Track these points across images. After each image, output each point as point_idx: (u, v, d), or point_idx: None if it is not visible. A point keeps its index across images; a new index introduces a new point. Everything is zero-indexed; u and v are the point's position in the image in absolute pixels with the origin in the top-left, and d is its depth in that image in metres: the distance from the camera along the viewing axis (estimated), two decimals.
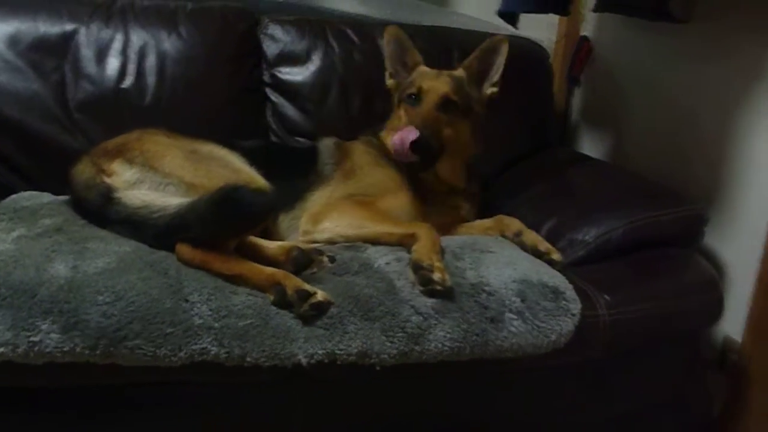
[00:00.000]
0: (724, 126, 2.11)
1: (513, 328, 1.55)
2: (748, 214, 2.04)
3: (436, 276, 1.52)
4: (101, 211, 1.61)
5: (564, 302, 1.62)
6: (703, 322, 1.87)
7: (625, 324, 1.70)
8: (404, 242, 1.69)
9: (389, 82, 2.11)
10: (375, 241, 1.74)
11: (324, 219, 1.81)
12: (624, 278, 1.81)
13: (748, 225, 2.03)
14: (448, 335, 1.50)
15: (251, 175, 1.75)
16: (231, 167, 1.76)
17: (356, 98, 2.34)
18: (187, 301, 1.38)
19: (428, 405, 1.70)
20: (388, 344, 1.45)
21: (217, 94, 2.23)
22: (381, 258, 1.63)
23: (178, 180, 1.65)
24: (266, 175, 1.77)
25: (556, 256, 1.78)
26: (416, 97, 1.97)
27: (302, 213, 1.85)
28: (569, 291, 1.65)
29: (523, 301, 1.59)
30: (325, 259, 1.58)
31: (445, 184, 2.03)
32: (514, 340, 1.55)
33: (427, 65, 2.12)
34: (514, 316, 1.56)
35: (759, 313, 1.98)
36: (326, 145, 2.06)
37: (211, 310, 1.38)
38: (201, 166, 1.71)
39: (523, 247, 1.83)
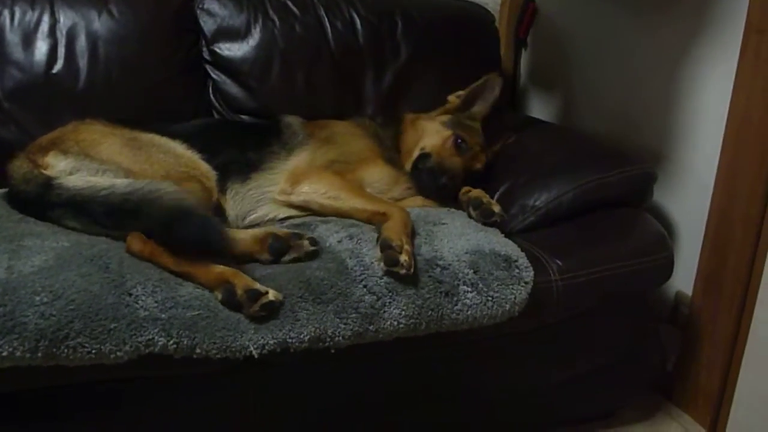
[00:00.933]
0: (671, 84, 2.12)
1: (467, 300, 1.55)
2: (696, 171, 2.06)
3: (403, 258, 1.50)
4: (41, 199, 1.54)
5: (516, 270, 1.62)
6: (654, 281, 1.89)
7: (578, 288, 1.71)
8: (375, 220, 1.68)
9: (453, 99, 2.15)
10: (346, 215, 1.74)
11: (303, 181, 1.80)
12: (575, 242, 1.82)
13: (695, 181, 2.06)
14: (403, 312, 1.48)
15: (193, 160, 1.72)
16: (172, 153, 1.71)
17: (300, 73, 2.27)
18: (130, 294, 1.34)
19: (387, 381, 1.70)
20: (342, 326, 1.43)
21: (154, 74, 2.15)
22: (332, 236, 1.60)
23: (116, 166, 1.59)
24: (214, 150, 1.77)
25: (496, 208, 1.80)
26: (465, 148, 2.00)
27: (264, 182, 1.83)
28: (521, 259, 1.65)
29: (476, 272, 1.58)
30: (306, 242, 1.53)
31: None
32: (469, 312, 1.55)
33: (370, 33, 2.21)
34: (468, 288, 1.56)
35: (707, 268, 2.02)
36: (291, 120, 2.06)
37: (156, 302, 1.34)
38: (141, 153, 1.65)
39: (469, 201, 1.84)
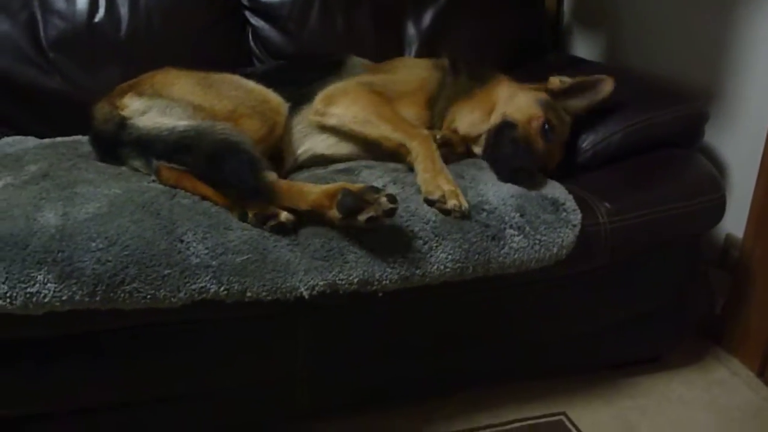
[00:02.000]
0: (723, 19, 2.03)
1: (514, 244, 1.54)
2: (750, 110, 1.99)
3: (452, 203, 1.49)
4: (116, 138, 1.62)
5: (564, 213, 1.60)
6: (705, 223, 1.85)
7: (627, 231, 1.69)
8: (401, 151, 1.67)
9: (556, 81, 1.86)
10: (374, 143, 1.72)
11: (337, 102, 1.77)
12: (623, 184, 1.78)
13: (749, 120, 1.99)
14: (450, 257, 1.48)
15: (263, 93, 1.74)
16: (243, 88, 1.73)
17: (339, 16, 2.24)
18: (181, 241, 1.36)
19: (433, 323, 1.70)
20: (389, 270, 1.44)
21: (194, 21, 2.14)
22: (376, 182, 1.59)
23: (186, 103, 1.64)
24: (276, 88, 1.77)
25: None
26: (550, 138, 1.76)
27: (308, 112, 1.81)
28: (569, 201, 1.63)
29: (522, 215, 1.56)
30: (384, 198, 1.35)
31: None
32: (516, 256, 1.54)
33: None
34: (515, 232, 1.54)
35: (760, 210, 1.97)
36: (357, 60, 2.02)
37: (206, 248, 1.36)
38: (211, 90, 1.69)
39: None
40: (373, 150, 1.76)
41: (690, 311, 2.01)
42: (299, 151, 1.80)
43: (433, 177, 1.56)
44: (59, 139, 1.90)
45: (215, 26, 2.18)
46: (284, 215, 1.42)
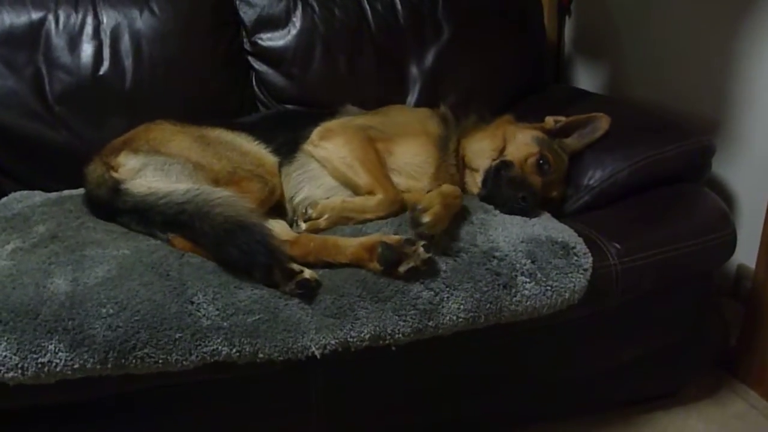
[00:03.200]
0: (728, 48, 2.03)
1: (526, 291, 1.53)
2: (755, 140, 1.99)
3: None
4: (111, 204, 1.61)
5: (575, 258, 1.59)
6: (717, 259, 1.84)
7: (638, 271, 1.67)
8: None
9: (550, 120, 1.92)
10: (351, 187, 1.75)
11: (331, 138, 1.81)
12: (632, 223, 1.77)
13: (755, 150, 1.99)
14: (462, 307, 1.47)
15: (258, 157, 1.76)
16: (239, 150, 1.75)
17: (342, 58, 2.25)
18: (192, 303, 1.36)
19: (447, 370, 1.69)
20: (401, 323, 1.43)
21: (198, 69, 2.16)
22: (381, 230, 1.58)
23: (184, 159, 1.63)
24: (272, 136, 1.82)
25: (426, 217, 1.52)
26: (547, 170, 1.81)
27: (304, 160, 1.83)
28: (579, 245, 1.62)
29: (533, 261, 1.56)
30: (421, 249, 1.43)
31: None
32: (528, 303, 1.53)
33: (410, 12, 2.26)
34: (527, 279, 1.53)
35: None
36: (352, 108, 2.05)
37: (217, 309, 1.36)
38: (209, 149, 1.70)
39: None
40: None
41: (705, 344, 1.99)
42: (297, 199, 1.80)
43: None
44: (66, 192, 1.90)
45: (219, 73, 2.19)
46: (309, 272, 1.42)
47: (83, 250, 1.47)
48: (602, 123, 1.90)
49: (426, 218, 1.50)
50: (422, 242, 1.44)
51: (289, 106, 2.26)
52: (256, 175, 1.69)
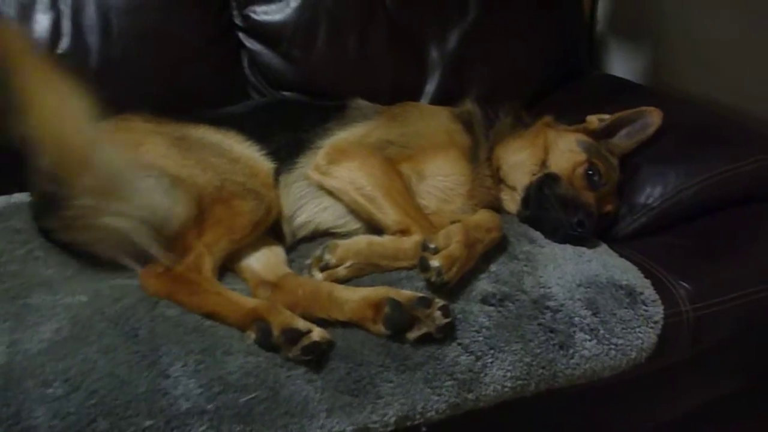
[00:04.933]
0: None
1: (585, 351, 1.23)
2: None
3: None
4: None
5: (643, 307, 1.30)
6: None
7: (714, 318, 1.39)
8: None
9: (594, 120, 1.62)
10: (374, 223, 1.40)
11: (343, 161, 1.44)
12: (705, 255, 1.47)
13: None
14: (509, 374, 1.18)
15: (250, 165, 1.41)
16: (228, 156, 1.40)
17: (351, 37, 1.90)
18: (167, 376, 1.04)
19: None
20: (435, 398, 1.13)
21: (178, 47, 1.80)
22: (411, 282, 1.26)
23: (160, 172, 1.27)
24: (268, 135, 1.47)
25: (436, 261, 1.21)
26: (599, 183, 1.51)
27: (307, 168, 1.48)
28: (647, 290, 1.33)
29: (595, 314, 1.26)
30: (437, 312, 1.14)
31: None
32: (588, 366, 1.24)
33: None
34: (587, 336, 1.24)
35: None
36: (363, 102, 1.68)
37: (200, 386, 1.04)
38: (190, 156, 1.35)
39: None
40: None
41: None
42: (298, 221, 1.47)
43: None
44: (16, 198, 1.56)
45: (204, 52, 1.83)
46: (318, 332, 1.10)
47: (27, 297, 1.15)
48: (654, 118, 1.60)
49: (436, 262, 1.18)
50: (441, 302, 1.14)
51: (288, 94, 1.92)
52: (249, 190, 1.35)
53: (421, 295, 1.15)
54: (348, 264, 1.28)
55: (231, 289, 1.21)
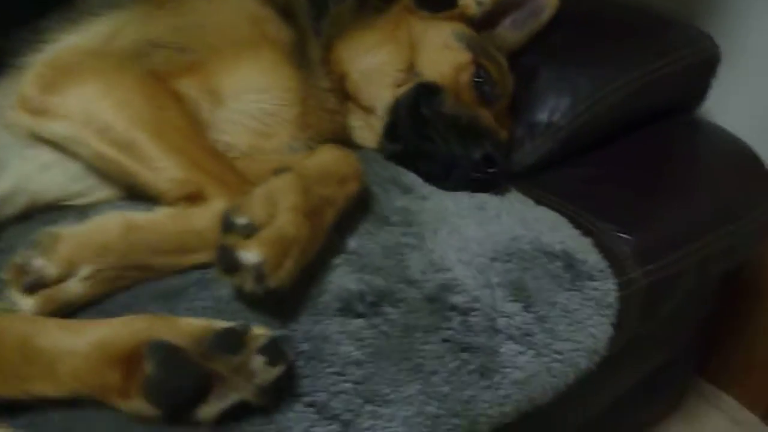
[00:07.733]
0: None
1: (518, 373, 0.74)
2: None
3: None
4: None
5: (590, 284, 0.83)
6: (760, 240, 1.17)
7: (667, 284, 0.96)
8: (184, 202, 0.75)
9: (470, 3, 1.12)
10: (134, 182, 0.78)
11: (71, 86, 0.79)
12: (642, 194, 1.03)
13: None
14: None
15: None
16: None
17: None
18: None
19: None
20: None
21: None
22: (208, 293, 0.68)
23: None
24: None
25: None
26: (489, 93, 1.04)
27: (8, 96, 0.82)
28: (591, 256, 0.86)
29: (527, 307, 0.76)
30: (257, 359, 0.59)
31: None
32: (522, 394, 0.75)
33: None
34: (519, 347, 0.74)
35: None
36: None
37: None
38: None
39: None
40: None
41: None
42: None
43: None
44: None
45: None
46: None
47: None
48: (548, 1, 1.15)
49: (254, 253, 0.62)
50: (264, 336, 0.60)
51: None
52: None
53: (224, 325, 0.58)
54: (86, 272, 0.67)
55: None
